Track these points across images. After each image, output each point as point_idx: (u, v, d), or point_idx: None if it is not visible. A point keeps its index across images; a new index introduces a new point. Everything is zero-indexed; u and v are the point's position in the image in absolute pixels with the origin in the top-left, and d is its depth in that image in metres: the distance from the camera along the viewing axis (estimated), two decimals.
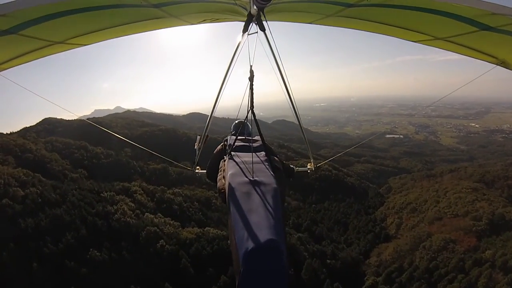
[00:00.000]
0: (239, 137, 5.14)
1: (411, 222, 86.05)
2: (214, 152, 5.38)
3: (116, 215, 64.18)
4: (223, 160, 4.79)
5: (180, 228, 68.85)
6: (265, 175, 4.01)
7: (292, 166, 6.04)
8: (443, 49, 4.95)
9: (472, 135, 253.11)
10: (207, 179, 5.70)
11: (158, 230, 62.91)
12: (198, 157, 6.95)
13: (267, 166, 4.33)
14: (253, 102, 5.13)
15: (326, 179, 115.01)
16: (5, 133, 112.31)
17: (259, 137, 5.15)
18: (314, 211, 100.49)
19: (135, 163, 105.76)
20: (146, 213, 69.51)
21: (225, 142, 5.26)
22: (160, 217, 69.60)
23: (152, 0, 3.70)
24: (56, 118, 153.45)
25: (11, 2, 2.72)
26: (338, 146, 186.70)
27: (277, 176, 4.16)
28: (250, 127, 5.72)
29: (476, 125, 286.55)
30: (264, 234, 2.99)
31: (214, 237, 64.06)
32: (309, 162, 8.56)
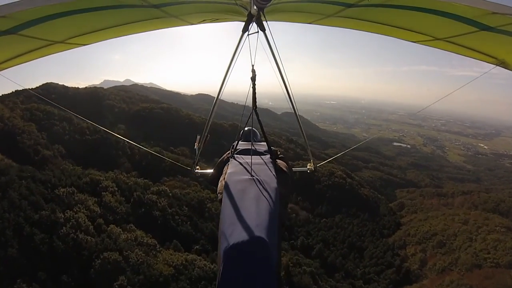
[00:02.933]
0: (245, 142, 4.99)
1: (440, 263, 73.35)
2: (221, 158, 5.01)
3: (64, 228, 43.54)
4: (226, 164, 4.53)
5: (157, 251, 49.23)
6: (266, 175, 3.82)
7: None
8: (443, 49, 4.79)
9: (480, 156, 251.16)
10: (210, 185, 5.30)
11: (121, 259, 42.45)
12: (198, 157, 6.48)
13: (270, 168, 4.10)
14: (255, 102, 4.88)
15: (339, 187, 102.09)
16: None
17: (264, 142, 5.01)
18: (325, 227, 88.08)
19: (125, 143, 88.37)
20: (112, 225, 49.25)
21: (232, 149, 4.92)
22: (131, 230, 50.65)
23: (152, 1, 3.66)
24: (58, 84, 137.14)
25: (12, 3, 2.77)
26: (345, 147, 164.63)
27: (280, 178, 3.96)
28: (259, 134, 5.56)
29: (485, 146, 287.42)
30: (251, 231, 2.80)
31: (199, 276, 45.30)
32: (308, 162, 7.38)
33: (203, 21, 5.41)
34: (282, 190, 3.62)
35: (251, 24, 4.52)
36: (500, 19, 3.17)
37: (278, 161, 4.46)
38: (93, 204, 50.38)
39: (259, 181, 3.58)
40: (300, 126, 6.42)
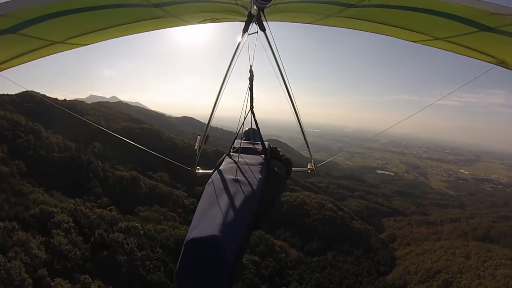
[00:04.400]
0: (245, 141, 5.18)
1: None
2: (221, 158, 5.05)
3: None
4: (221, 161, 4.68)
5: None
6: (251, 177, 3.87)
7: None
8: (442, 49, 4.85)
9: (461, 181, 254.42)
10: None
11: None
12: (198, 157, 6.47)
13: (260, 169, 4.14)
14: (252, 102, 5.00)
15: (330, 222, 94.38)
16: None
17: (267, 142, 5.03)
18: (318, 267, 78.10)
19: (98, 164, 78.62)
20: (58, 279, 35.21)
21: (232, 149, 5.06)
22: (85, 284, 37.53)
23: (153, 0, 3.70)
24: (38, 93, 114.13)
25: (11, 1, 2.75)
26: (329, 176, 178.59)
27: (271, 179, 4.12)
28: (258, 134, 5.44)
29: (466, 172, 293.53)
30: (211, 229, 2.85)
31: None
32: (309, 163, 7.34)
33: (204, 21, 5.30)
34: (267, 191, 3.76)
35: (251, 24, 4.55)
36: (500, 20, 3.21)
37: (273, 161, 4.51)
38: (37, 247, 37.35)
39: (242, 182, 3.62)
40: (301, 126, 6.34)
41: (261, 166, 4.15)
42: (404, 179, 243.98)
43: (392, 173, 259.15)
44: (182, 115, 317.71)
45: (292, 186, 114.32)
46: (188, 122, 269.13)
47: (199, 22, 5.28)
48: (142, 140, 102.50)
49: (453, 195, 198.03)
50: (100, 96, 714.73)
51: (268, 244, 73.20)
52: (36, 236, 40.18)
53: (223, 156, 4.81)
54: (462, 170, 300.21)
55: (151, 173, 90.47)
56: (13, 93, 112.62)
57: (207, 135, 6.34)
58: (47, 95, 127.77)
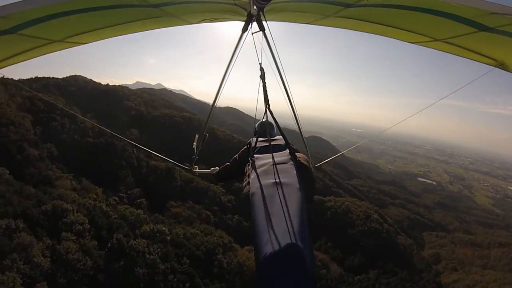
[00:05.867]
0: (261, 139, 4.88)
1: None
2: (236, 155, 5.13)
3: None
4: (247, 164, 4.46)
5: None
6: (288, 176, 3.79)
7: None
8: (442, 51, 4.65)
9: (509, 199, 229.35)
10: (216, 179, 5.63)
11: None
12: (196, 156, 6.39)
13: (291, 165, 4.05)
14: (268, 100, 4.72)
15: (375, 235, 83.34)
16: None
17: (280, 136, 4.91)
18: None
19: (133, 152, 73.13)
20: None
21: (248, 146, 5.01)
22: None
23: (152, 0, 3.71)
24: (86, 78, 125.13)
25: (11, 4, 2.75)
26: (370, 179, 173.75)
27: (303, 174, 3.92)
28: (275, 127, 5.27)
29: None
30: (285, 238, 2.80)
31: None
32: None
33: (202, 21, 5.30)
34: (305, 187, 3.61)
35: (251, 24, 4.53)
36: (500, 19, 3.11)
37: (298, 154, 4.40)
38: (41, 253, 30.26)
39: (283, 184, 3.53)
40: (299, 127, 6.15)
41: (291, 163, 4.06)
42: (447, 190, 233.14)
43: (434, 182, 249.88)
44: (225, 105, 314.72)
45: (335, 189, 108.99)
46: (231, 112, 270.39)
47: (198, 22, 5.27)
48: (181, 129, 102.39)
49: (499, 214, 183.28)
50: (145, 83, 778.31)
51: None
52: (43, 238, 34.11)
53: (241, 152, 4.94)
54: (511, 188, 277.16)
55: (187, 164, 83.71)
56: (60, 77, 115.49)
57: (205, 135, 6.26)
58: (94, 80, 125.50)
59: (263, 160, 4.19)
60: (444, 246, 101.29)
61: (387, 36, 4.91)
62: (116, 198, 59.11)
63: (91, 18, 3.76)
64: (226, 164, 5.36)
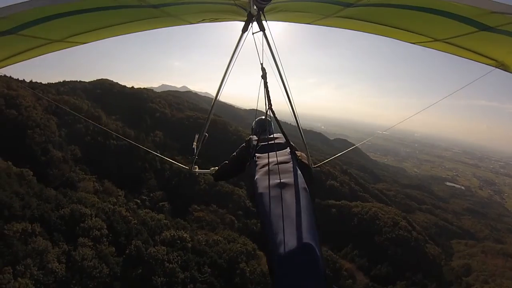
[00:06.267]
0: (261, 137, 4.72)
1: None
2: (235, 153, 5.04)
3: None
4: (248, 163, 4.40)
5: None
6: (293, 175, 3.71)
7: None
8: (442, 51, 4.60)
9: None
10: (215, 178, 5.67)
11: None
12: (196, 156, 6.28)
13: (293, 164, 3.97)
14: (270, 100, 4.62)
15: (403, 242, 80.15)
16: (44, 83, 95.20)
17: (280, 134, 4.85)
18: None
19: (156, 153, 57.83)
20: None
21: (246, 144, 4.91)
22: None
23: (151, 1, 3.69)
24: (112, 81, 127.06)
25: (12, 5, 2.77)
26: (396, 183, 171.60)
27: (305, 173, 3.85)
28: (272, 124, 5.39)
29: None
30: (297, 238, 2.77)
31: None
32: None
33: (202, 21, 5.28)
34: (309, 185, 3.61)
35: (251, 24, 4.53)
36: (500, 18, 3.09)
37: (298, 152, 4.35)
38: (57, 259, 28.54)
39: (289, 184, 3.49)
40: (299, 128, 6.10)
41: (293, 161, 3.97)
42: (477, 195, 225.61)
43: (463, 187, 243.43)
44: (251, 108, 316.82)
45: (361, 193, 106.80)
46: (258, 115, 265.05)
47: (198, 22, 5.29)
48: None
49: None
50: (171, 86, 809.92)
51: (335, 267, 61.56)
52: (60, 243, 32.82)
53: (239, 151, 4.87)
54: None
55: (213, 167, 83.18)
56: (87, 80, 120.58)
57: (205, 134, 6.19)
58: (120, 83, 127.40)
59: (266, 159, 4.05)
60: (473, 255, 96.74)
61: (388, 36, 4.88)
62: (138, 201, 59.28)
63: (90, 19, 3.78)
64: (225, 162, 5.30)
